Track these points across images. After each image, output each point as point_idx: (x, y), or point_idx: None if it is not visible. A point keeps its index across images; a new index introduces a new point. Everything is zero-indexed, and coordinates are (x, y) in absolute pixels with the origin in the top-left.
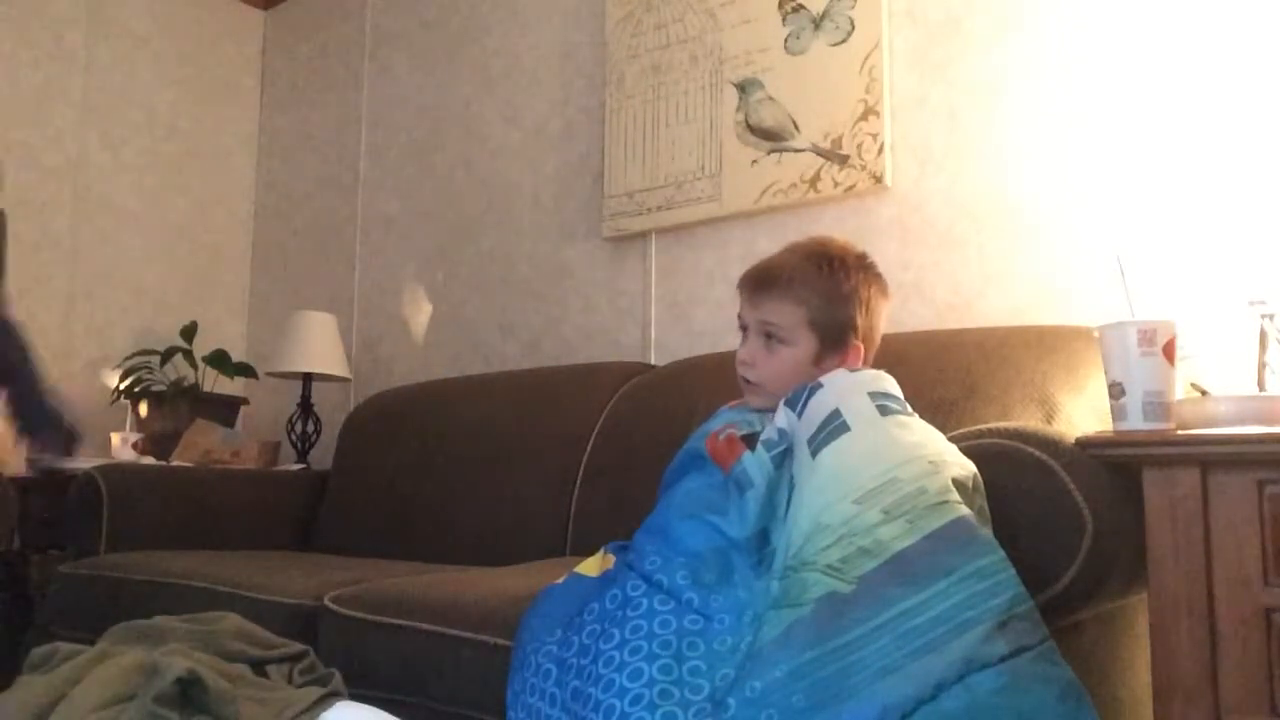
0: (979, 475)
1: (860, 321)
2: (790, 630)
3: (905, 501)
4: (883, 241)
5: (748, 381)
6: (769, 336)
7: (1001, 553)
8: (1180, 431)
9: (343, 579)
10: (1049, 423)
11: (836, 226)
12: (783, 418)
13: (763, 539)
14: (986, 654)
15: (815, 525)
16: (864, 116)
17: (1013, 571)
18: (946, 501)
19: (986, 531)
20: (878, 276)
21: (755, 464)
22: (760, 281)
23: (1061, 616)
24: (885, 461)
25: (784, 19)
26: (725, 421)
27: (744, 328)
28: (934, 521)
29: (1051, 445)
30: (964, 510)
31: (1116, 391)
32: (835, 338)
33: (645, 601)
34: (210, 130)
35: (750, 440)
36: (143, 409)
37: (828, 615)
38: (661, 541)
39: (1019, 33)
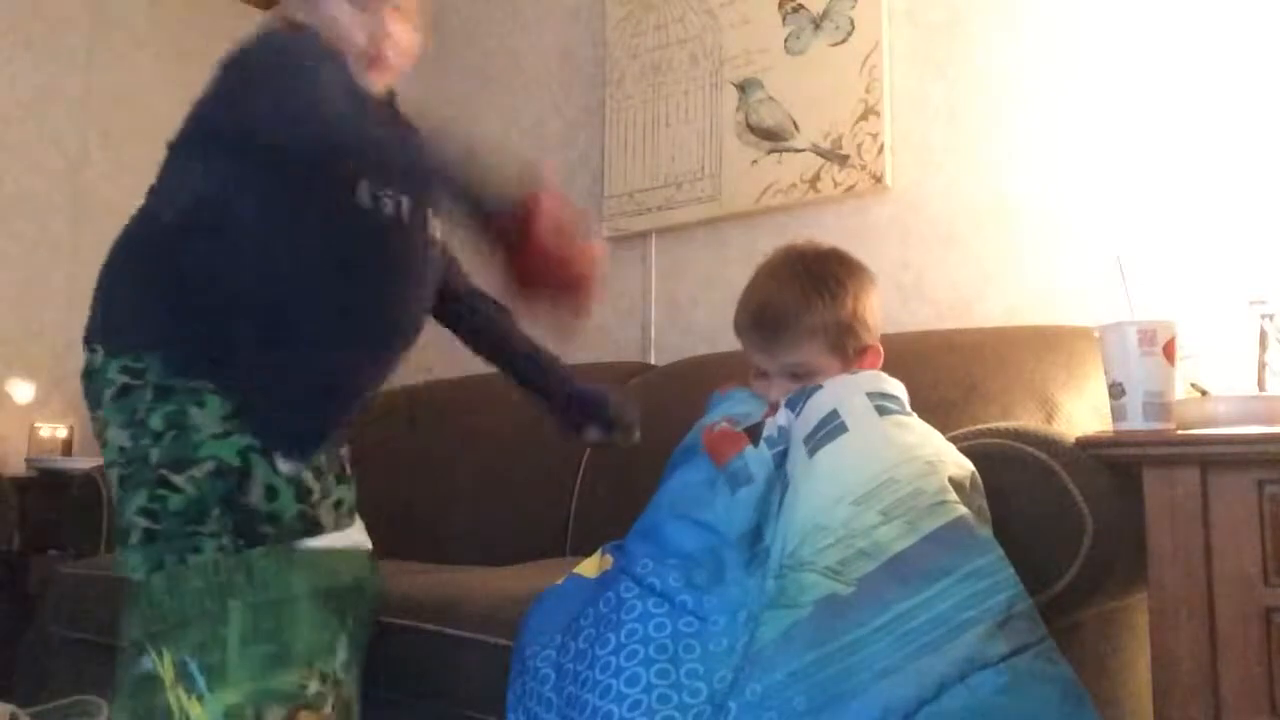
0: (977, 474)
1: (870, 322)
2: (790, 632)
3: (903, 502)
4: (883, 241)
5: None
6: (794, 375)
7: (1000, 552)
8: (1180, 431)
9: None
10: (1049, 423)
11: (836, 226)
12: (784, 415)
13: (755, 536)
14: (987, 653)
15: (813, 526)
16: (864, 116)
17: (1011, 571)
18: (945, 502)
19: (985, 531)
20: (863, 271)
21: (758, 460)
22: (768, 329)
23: (1061, 616)
24: (882, 462)
25: (784, 19)
26: (723, 413)
27: (761, 372)
28: (932, 522)
29: (1051, 445)
30: (962, 510)
31: (1116, 391)
32: (854, 350)
33: (639, 605)
34: None
35: (752, 433)
36: None
37: (827, 617)
38: (653, 544)
39: (1019, 33)
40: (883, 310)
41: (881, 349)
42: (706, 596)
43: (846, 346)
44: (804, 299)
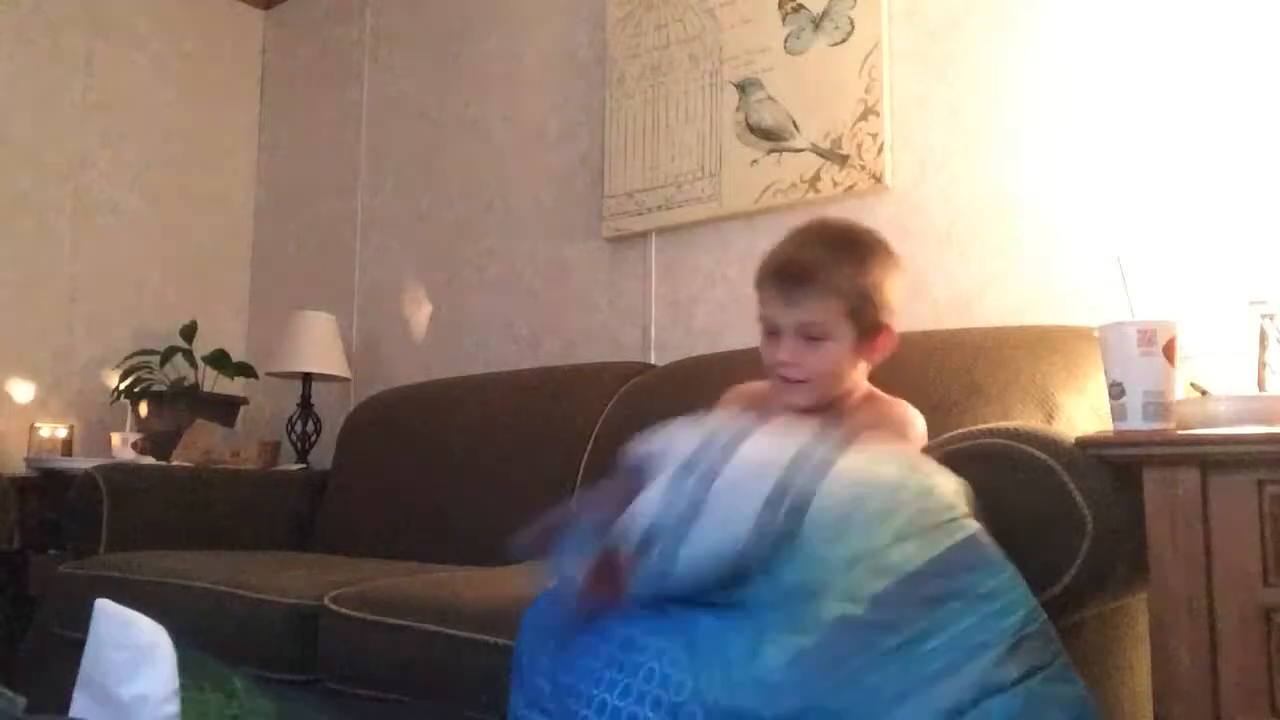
0: (967, 483)
1: (891, 301)
2: (799, 658)
3: (912, 522)
4: None
5: (790, 380)
6: (808, 336)
7: (1011, 568)
8: (1180, 431)
9: (343, 579)
10: (1049, 423)
11: None
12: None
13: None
14: (1000, 678)
15: (825, 558)
16: (864, 116)
17: (1024, 588)
18: (954, 519)
19: (994, 548)
20: (892, 253)
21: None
22: (795, 279)
23: (1061, 616)
24: (881, 485)
25: (784, 19)
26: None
27: (771, 329)
28: (943, 541)
29: (1051, 445)
30: (974, 527)
31: (1116, 391)
32: (870, 324)
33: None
34: (210, 130)
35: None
36: (143, 409)
37: (838, 639)
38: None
39: (1019, 33)
40: (904, 300)
41: (896, 333)
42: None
43: (864, 316)
44: (832, 257)
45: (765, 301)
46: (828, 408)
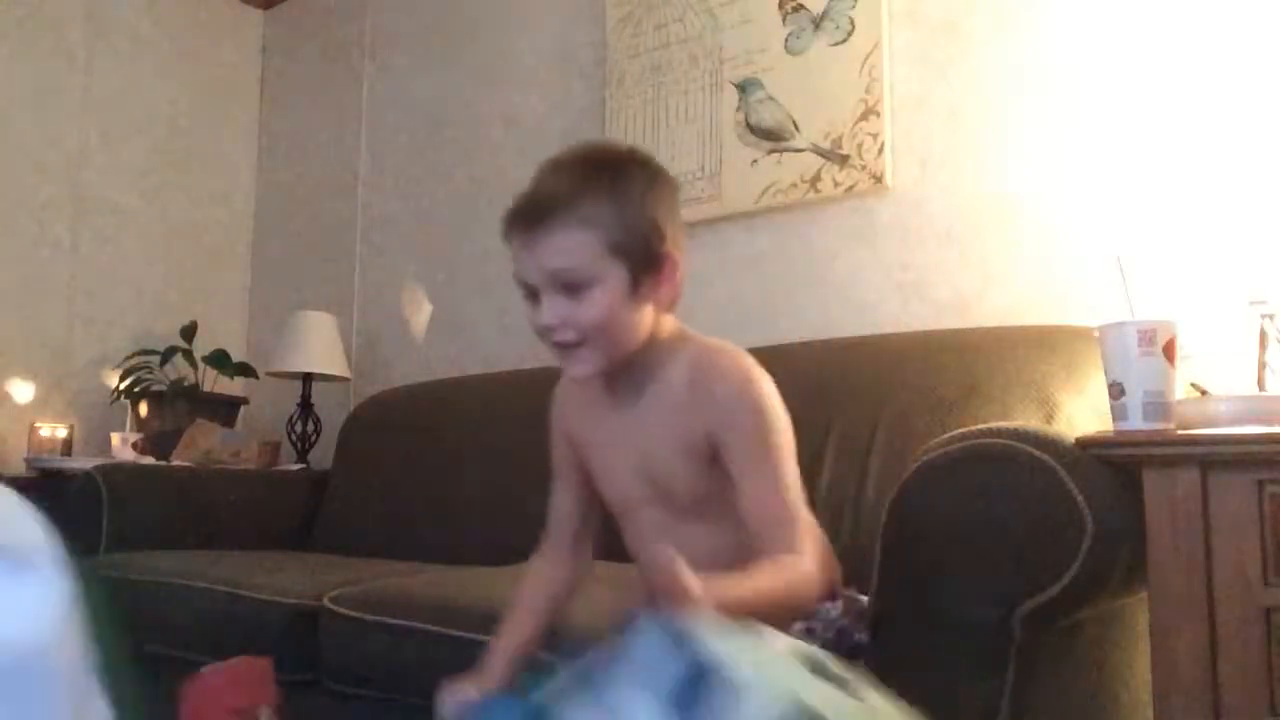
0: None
1: (666, 229)
2: None
3: None
4: (883, 241)
5: (566, 346)
6: (567, 286)
7: None
8: (1180, 431)
9: (343, 579)
10: (1049, 423)
11: (836, 226)
12: None
13: None
14: None
15: None
16: (864, 116)
17: None
18: None
19: None
20: (658, 169)
21: None
22: (532, 216)
23: (1062, 616)
24: None
25: (784, 19)
26: None
27: (529, 289)
28: None
29: (1051, 445)
30: None
31: (1116, 391)
32: (645, 257)
33: None
34: (210, 130)
35: None
36: (143, 409)
37: None
38: None
39: (1019, 33)
40: (683, 227)
41: (681, 262)
42: None
43: (634, 247)
44: (581, 181)
45: (513, 255)
46: (629, 367)
